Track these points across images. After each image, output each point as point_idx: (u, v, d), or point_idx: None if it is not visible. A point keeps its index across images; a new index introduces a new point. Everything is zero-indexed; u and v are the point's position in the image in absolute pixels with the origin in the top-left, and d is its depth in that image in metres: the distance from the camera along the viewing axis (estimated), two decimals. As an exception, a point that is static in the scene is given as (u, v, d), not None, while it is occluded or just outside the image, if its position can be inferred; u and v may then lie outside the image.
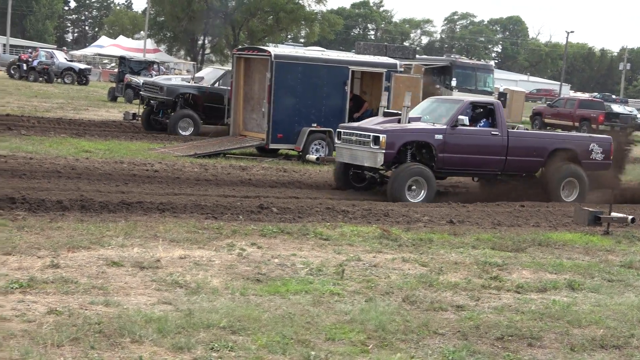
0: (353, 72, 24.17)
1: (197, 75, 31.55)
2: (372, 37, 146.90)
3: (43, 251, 9.78)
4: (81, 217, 12.03)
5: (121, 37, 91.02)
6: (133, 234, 11.12)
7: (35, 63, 55.66)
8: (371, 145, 17.21)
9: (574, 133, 20.53)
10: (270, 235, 11.94)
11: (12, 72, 56.24)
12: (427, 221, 14.27)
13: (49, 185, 15.03)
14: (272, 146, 23.19)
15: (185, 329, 7.38)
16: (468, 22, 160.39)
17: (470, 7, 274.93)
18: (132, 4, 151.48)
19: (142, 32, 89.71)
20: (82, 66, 62.27)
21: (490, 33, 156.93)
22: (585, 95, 77.34)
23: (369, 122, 18.66)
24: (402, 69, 24.96)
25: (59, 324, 7.19)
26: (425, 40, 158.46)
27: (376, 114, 23.11)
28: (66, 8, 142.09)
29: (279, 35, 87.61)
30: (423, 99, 22.05)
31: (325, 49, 46.02)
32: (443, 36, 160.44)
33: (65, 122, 28.58)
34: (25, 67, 55.47)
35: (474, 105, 18.76)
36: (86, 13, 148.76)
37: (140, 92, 30.99)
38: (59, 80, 56.53)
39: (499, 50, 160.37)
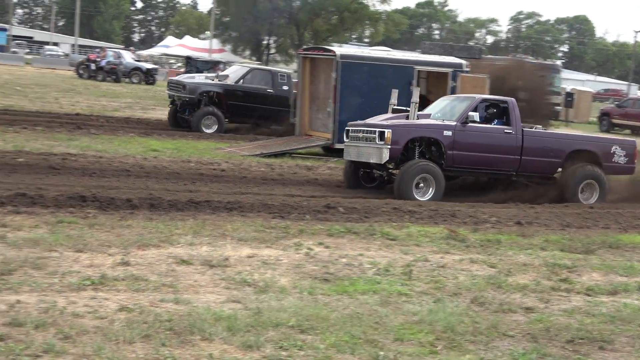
0: (419, 72, 24.08)
1: (221, 73, 31.40)
2: (437, 36, 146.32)
3: (113, 249, 9.90)
4: (150, 216, 12.15)
5: (187, 37, 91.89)
6: (202, 232, 11.21)
7: (103, 63, 56.37)
8: (377, 142, 16.72)
9: (595, 134, 19.57)
10: (338, 234, 11.96)
11: (81, 72, 56.99)
12: (494, 222, 14.16)
13: (118, 184, 15.22)
14: (338, 146, 23.14)
15: (254, 328, 7.42)
16: (534, 21, 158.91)
17: (536, 6, 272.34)
18: (197, 4, 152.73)
19: (207, 32, 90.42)
20: (149, 66, 62.94)
21: (556, 32, 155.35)
22: (654, 95, 76.15)
23: (376, 119, 18.28)
24: (469, 69, 24.75)
25: (130, 321, 7.28)
26: (490, 39, 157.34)
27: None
28: (133, 8, 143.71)
29: (343, 35, 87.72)
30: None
31: (390, 49, 45.94)
32: (509, 35, 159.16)
33: (133, 121, 28.93)
34: (93, 67, 56.19)
35: (488, 103, 18.01)
36: (152, 13, 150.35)
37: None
38: (127, 80, 57.23)
39: (566, 50, 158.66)
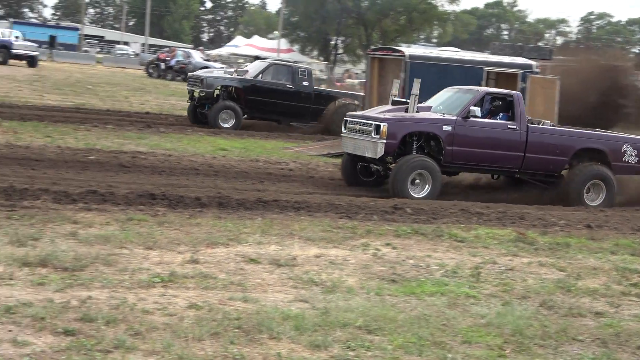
0: (488, 72, 23.91)
1: (240, 68, 31.10)
2: (506, 37, 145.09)
3: (183, 247, 9.99)
4: (219, 214, 12.24)
5: (255, 36, 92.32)
6: (269, 231, 11.27)
7: (172, 62, 56.96)
8: (372, 135, 16.06)
9: (605, 132, 18.50)
10: (405, 235, 11.93)
11: (151, 71, 57.67)
12: (563, 225, 14.00)
13: (187, 182, 15.36)
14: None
15: (322, 327, 7.43)
16: (605, 22, 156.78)
17: (607, 7, 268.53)
18: (266, 4, 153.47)
19: (276, 32, 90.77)
20: (218, 65, 63.36)
21: (628, 33, 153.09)
22: None
23: (374, 111, 17.78)
24: (539, 70, 24.51)
25: (199, 319, 7.34)
26: (560, 40, 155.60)
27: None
28: (202, 8, 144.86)
29: (411, 35, 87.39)
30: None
31: (458, 49, 45.69)
32: (579, 36, 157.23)
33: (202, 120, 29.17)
34: (163, 66, 56.80)
35: (492, 96, 17.28)
36: (221, 13, 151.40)
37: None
38: (195, 79, 57.59)
39: (637, 51, 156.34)
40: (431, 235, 12.11)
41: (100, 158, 17.39)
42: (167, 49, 73.61)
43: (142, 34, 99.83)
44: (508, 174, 17.34)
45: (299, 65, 30.61)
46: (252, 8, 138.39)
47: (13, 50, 56.57)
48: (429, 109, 17.28)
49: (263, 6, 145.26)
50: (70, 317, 7.06)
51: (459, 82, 23.04)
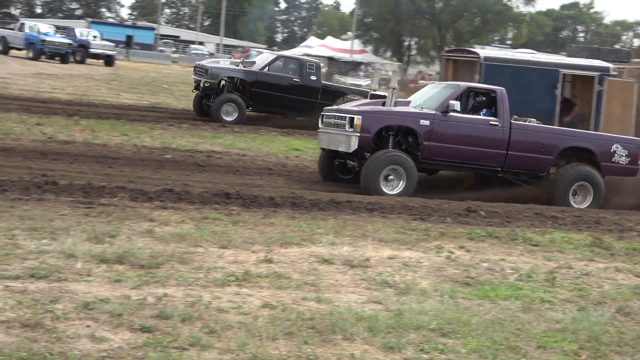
0: (564, 75, 23.65)
1: (247, 60, 30.56)
2: (582, 39, 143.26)
3: (257, 246, 10.06)
4: (292, 214, 12.30)
5: (329, 37, 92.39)
6: (343, 232, 11.29)
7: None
8: (346, 128, 15.39)
9: (593, 131, 17.75)
10: (478, 238, 11.87)
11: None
12: (640, 230, 13.81)
13: (261, 182, 15.47)
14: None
15: (395, 329, 7.42)
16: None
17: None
18: (340, 4, 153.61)
19: (349, 32, 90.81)
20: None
21: None
22: None
23: (351, 104, 17.25)
24: (616, 73, 24.17)
25: (273, 318, 7.39)
26: (637, 42, 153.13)
27: (587, 119, 22.51)
28: (276, 9, 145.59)
29: (485, 37, 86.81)
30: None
31: (534, 51, 45.26)
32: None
33: (275, 120, 29.27)
34: (237, 66, 57.11)
35: (475, 92, 16.70)
36: (295, 14, 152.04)
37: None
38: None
39: None
40: (505, 238, 12.03)
41: (175, 157, 17.58)
42: (240, 49, 74.13)
43: (217, 34, 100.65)
44: (490, 172, 16.54)
45: (308, 59, 29.85)
46: (326, 9, 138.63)
47: (91, 50, 57.53)
48: (408, 103, 16.87)
49: (337, 7, 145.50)
50: (146, 314, 7.15)
51: (534, 84, 22.94)
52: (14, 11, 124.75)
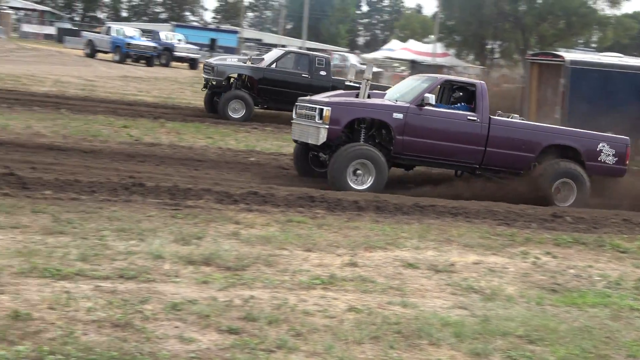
0: (653, 79, 23.24)
1: (255, 57, 30.05)
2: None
3: (341, 249, 10.08)
4: (376, 218, 12.29)
5: (411, 40, 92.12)
6: (427, 236, 11.25)
7: (329, 66, 57.42)
8: (316, 120, 14.89)
9: (578, 129, 16.76)
10: (565, 244, 11.72)
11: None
12: None
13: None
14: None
15: (482, 335, 7.37)
16: None
17: None
18: (422, 7, 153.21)
19: (431, 36, 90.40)
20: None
21: None
22: None
23: (324, 95, 16.68)
24: None
25: (359, 322, 7.39)
26: None
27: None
28: (358, 12, 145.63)
29: (570, 40, 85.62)
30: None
31: (621, 55, 44.52)
32: None
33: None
34: (319, 70, 57.30)
35: (454, 85, 16.23)
36: (377, 17, 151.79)
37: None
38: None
39: None
40: (592, 245, 11.86)
41: (260, 160, 17.71)
42: (323, 53, 74.32)
43: (300, 37, 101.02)
44: (467, 169, 15.93)
45: (318, 54, 29.26)
46: (408, 12, 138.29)
47: (175, 53, 58.25)
48: (383, 95, 16.44)
49: (419, 10, 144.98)
50: (233, 316, 7.21)
51: (621, 88, 22.55)
52: (101, 15, 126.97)
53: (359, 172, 14.75)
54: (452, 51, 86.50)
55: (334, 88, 25.13)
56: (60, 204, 10.89)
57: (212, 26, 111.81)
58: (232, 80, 26.63)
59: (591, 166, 15.94)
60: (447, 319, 7.68)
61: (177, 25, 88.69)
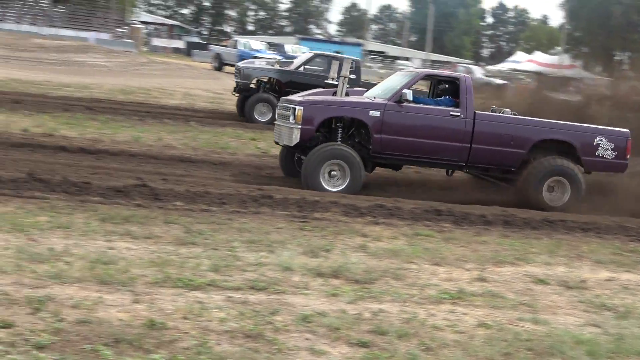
0: None
1: (283, 59, 29.24)
2: None
3: (470, 264, 9.99)
4: (504, 232, 12.16)
5: (537, 52, 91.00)
6: (557, 252, 11.07)
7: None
8: (290, 120, 14.46)
9: (572, 122, 15.72)
10: (702, 262, 11.36)
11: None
12: None
13: (470, 199, 15.23)
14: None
15: (616, 354, 7.20)
16: None
17: None
18: (548, 19, 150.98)
19: (558, 47, 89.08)
20: (499, 81, 62.96)
21: None
22: None
23: (302, 94, 16.09)
24: None
25: (489, 338, 7.30)
26: None
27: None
28: (483, 24, 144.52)
29: None
30: None
31: None
32: None
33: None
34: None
35: (438, 80, 15.67)
36: (502, 28, 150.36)
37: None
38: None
39: None
40: None
41: (385, 173, 17.67)
42: (445, 65, 74.00)
43: (423, 49, 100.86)
44: (453, 167, 15.28)
45: (347, 56, 28.53)
46: (534, 23, 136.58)
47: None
48: (362, 92, 15.79)
49: (545, 21, 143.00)
50: (363, 329, 7.22)
51: None
52: (228, 29, 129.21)
53: (333, 172, 14.33)
54: (579, 63, 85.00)
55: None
56: (191, 215, 11.12)
57: (337, 39, 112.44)
58: (259, 83, 26.52)
59: (588, 161, 15.22)
60: (580, 337, 7.53)
61: (302, 38, 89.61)
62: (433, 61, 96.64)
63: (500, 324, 7.77)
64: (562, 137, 15.13)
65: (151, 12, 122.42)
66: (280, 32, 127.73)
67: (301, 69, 26.60)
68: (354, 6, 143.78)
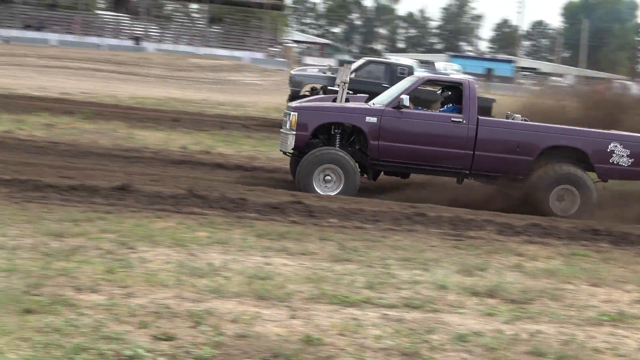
0: None
1: (335, 67, 28.25)
2: None
3: (630, 285, 9.72)
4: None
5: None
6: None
7: (609, 94, 55.88)
8: (287, 126, 14.33)
9: (585, 128, 14.89)
10: None
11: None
12: None
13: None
14: None
15: None
16: None
17: None
18: None
19: None
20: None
21: None
22: None
23: (303, 100, 15.82)
24: None
25: (652, 362, 7.10)
26: None
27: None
28: (638, 38, 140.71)
29: None
30: None
31: None
32: None
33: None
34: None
35: (442, 86, 15.22)
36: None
37: None
38: None
39: None
40: None
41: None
42: (600, 81, 72.26)
43: (577, 65, 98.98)
44: (457, 175, 14.68)
45: (399, 62, 27.35)
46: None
47: (451, 83, 58.49)
48: (363, 99, 15.46)
49: None
50: (520, 350, 7.12)
51: None
52: (378, 46, 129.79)
53: (328, 177, 14.14)
54: None
55: (415, 97, 24.61)
56: (345, 232, 11.21)
57: (488, 56, 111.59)
58: (314, 90, 26.07)
59: (602, 169, 14.51)
60: None
61: (453, 56, 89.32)
62: (587, 77, 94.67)
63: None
64: (572, 143, 14.48)
65: (303, 31, 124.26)
66: (430, 49, 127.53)
67: (352, 75, 25.98)
68: (505, 22, 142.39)
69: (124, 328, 6.69)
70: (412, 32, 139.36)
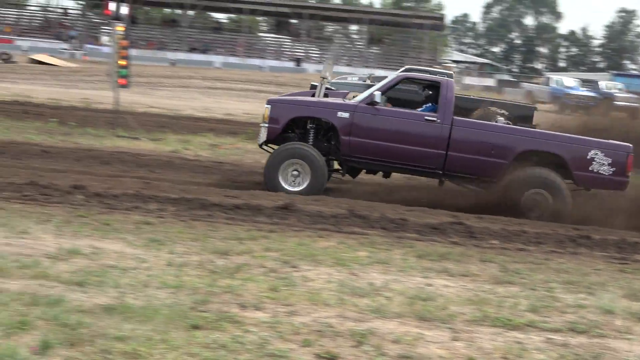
0: None
1: (375, 75, 27.11)
2: None
3: None
4: None
5: None
6: None
7: None
8: (263, 120, 14.36)
9: (566, 134, 14.36)
10: None
11: None
12: None
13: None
14: None
15: None
16: None
17: None
18: None
19: None
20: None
21: None
22: None
23: (284, 94, 14.90)
24: None
25: None
26: None
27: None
28: None
29: None
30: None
31: None
32: None
33: None
34: None
35: (421, 84, 15.07)
36: None
37: None
38: None
39: None
40: None
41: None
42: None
43: None
44: (429, 175, 14.43)
45: (438, 70, 25.98)
46: None
47: (615, 102, 57.04)
48: (344, 94, 15.15)
49: None
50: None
51: None
52: (539, 66, 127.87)
53: (295, 172, 14.08)
54: None
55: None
56: (507, 254, 11.08)
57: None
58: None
59: (581, 177, 14.03)
60: None
61: (617, 74, 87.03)
62: None
63: None
64: (549, 148, 14.04)
65: (462, 51, 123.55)
66: (593, 68, 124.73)
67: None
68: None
69: (288, 346, 6.80)
70: (574, 50, 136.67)
